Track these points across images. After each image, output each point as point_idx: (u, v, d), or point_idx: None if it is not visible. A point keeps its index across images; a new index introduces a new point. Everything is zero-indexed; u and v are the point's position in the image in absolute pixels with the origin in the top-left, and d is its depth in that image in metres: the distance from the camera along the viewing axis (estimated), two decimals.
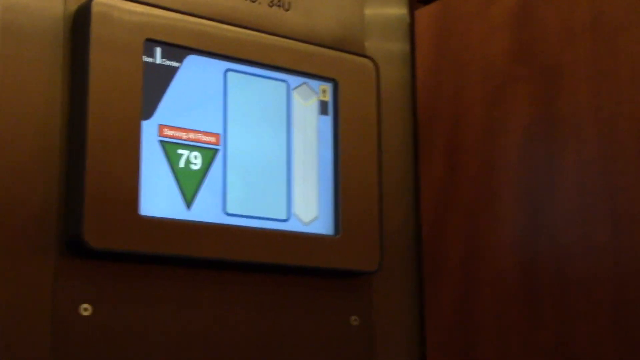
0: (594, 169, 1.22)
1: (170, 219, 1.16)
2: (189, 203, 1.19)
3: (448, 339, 1.36)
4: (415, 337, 1.40)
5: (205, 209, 1.20)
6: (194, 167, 1.20)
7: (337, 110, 1.34)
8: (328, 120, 1.33)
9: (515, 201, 1.30)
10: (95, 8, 1.14)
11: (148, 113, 1.17)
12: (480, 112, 1.37)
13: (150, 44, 1.19)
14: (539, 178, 1.28)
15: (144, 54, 1.18)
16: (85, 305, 1.11)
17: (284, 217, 1.27)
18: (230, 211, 1.22)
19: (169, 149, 1.19)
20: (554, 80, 1.28)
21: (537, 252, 1.27)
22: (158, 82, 1.19)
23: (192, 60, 1.22)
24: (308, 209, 1.29)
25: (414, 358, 1.39)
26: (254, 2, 1.32)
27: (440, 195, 1.40)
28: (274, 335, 1.26)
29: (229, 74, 1.25)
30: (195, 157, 1.21)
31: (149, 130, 1.17)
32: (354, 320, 1.33)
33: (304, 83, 1.32)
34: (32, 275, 1.09)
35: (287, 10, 1.35)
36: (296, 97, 1.31)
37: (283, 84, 1.30)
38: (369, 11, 1.44)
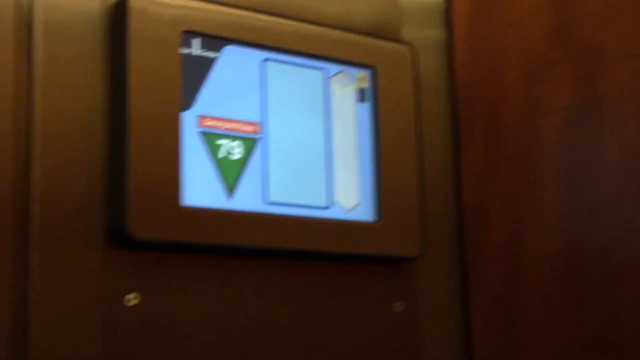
0: (636, 149, 1.20)
1: (212, 208, 1.17)
2: (230, 192, 1.20)
3: (493, 323, 1.35)
4: (460, 322, 1.39)
5: (247, 198, 1.20)
6: (234, 157, 1.21)
7: (375, 97, 1.34)
8: (367, 107, 1.33)
9: (556, 183, 1.29)
10: (132, 2, 1.15)
11: (187, 104, 1.18)
12: (519, 94, 1.36)
13: (188, 35, 1.19)
14: (580, 160, 1.27)
15: (182, 46, 1.19)
16: (130, 296, 1.13)
17: (325, 205, 1.27)
18: (271, 199, 1.22)
19: (209, 139, 1.19)
20: (593, 61, 1.27)
21: (581, 235, 1.26)
22: (197, 73, 1.20)
23: (230, 50, 1.23)
24: (349, 195, 1.29)
25: (458, 344, 1.39)
26: None
27: (481, 179, 1.39)
28: (317, 322, 1.26)
29: (267, 63, 1.26)
30: (236, 147, 1.21)
31: (189, 121, 1.18)
32: (398, 306, 1.33)
33: (342, 71, 1.32)
34: (78, 267, 1.10)
35: None
36: (334, 84, 1.31)
37: (321, 72, 1.30)
38: None
